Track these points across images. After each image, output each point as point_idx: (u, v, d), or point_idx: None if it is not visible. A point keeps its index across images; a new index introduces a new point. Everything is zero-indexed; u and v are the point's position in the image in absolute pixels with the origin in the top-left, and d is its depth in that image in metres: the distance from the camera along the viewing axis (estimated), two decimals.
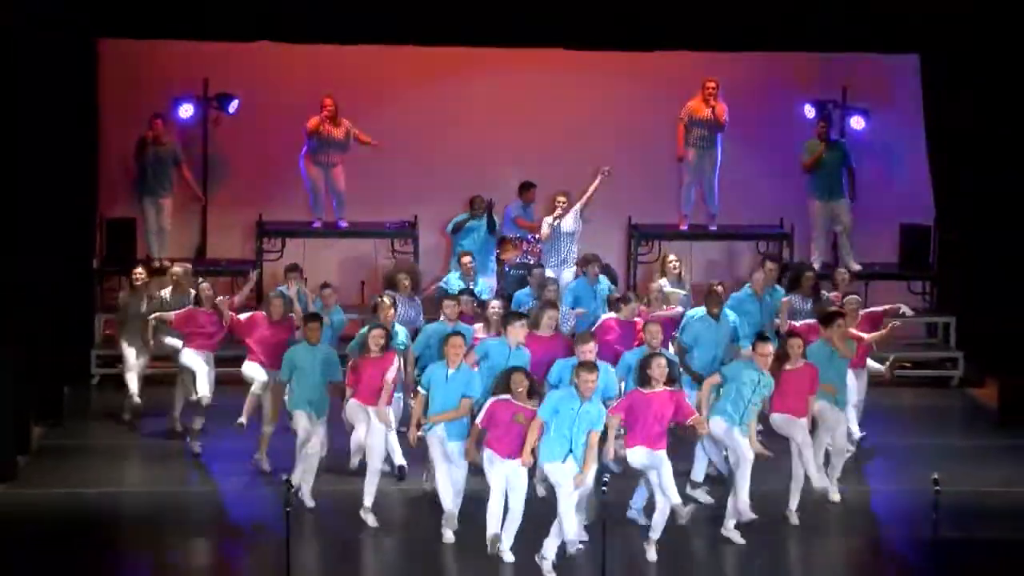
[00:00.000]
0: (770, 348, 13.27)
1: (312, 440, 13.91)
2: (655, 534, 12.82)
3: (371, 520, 13.57)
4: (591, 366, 12.62)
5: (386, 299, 14.91)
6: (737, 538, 13.23)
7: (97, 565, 12.92)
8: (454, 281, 16.60)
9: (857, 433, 15.54)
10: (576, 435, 12.44)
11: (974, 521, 13.61)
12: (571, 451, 12.46)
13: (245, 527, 13.75)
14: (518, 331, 13.65)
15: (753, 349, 13.35)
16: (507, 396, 12.72)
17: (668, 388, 12.80)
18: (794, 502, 13.84)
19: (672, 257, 16.74)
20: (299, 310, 15.15)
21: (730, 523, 13.26)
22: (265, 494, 14.15)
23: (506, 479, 12.77)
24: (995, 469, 15.41)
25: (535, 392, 12.84)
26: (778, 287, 15.98)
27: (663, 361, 12.81)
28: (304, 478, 13.87)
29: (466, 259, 16.93)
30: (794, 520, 13.77)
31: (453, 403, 13.14)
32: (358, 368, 13.84)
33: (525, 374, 12.82)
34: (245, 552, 13.29)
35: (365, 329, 14.07)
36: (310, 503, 13.96)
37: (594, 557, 12.24)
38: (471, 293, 15.43)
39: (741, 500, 13.17)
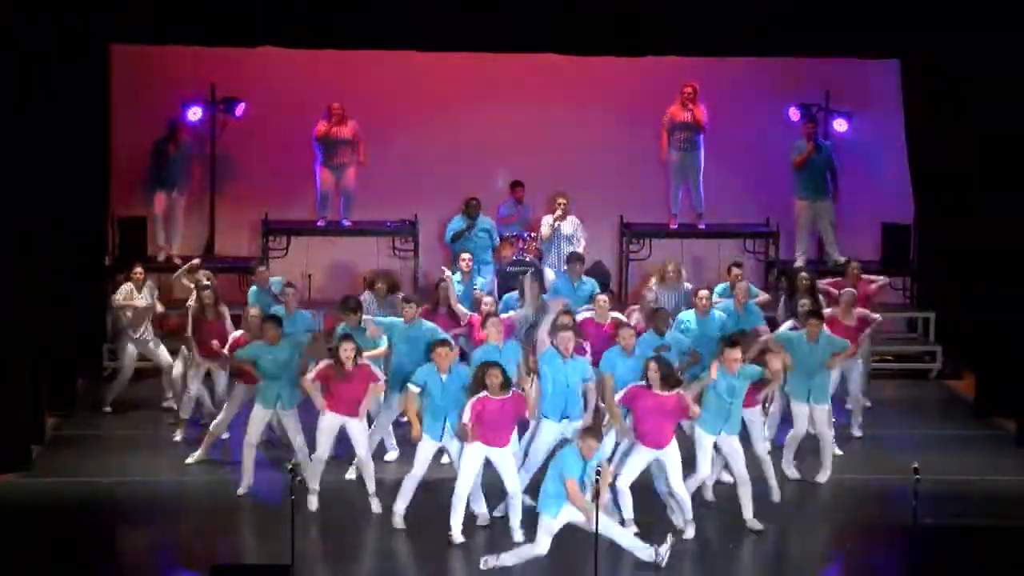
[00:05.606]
0: (737, 353, 13.29)
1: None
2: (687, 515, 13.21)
3: (376, 505, 13.81)
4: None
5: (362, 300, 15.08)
6: (757, 525, 13.46)
7: (109, 554, 13.11)
8: (455, 285, 16.14)
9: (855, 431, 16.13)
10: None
11: (952, 507, 13.83)
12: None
13: (253, 513, 13.89)
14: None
15: (721, 355, 13.36)
16: (485, 392, 12.90)
17: (669, 391, 12.94)
18: (771, 477, 14.05)
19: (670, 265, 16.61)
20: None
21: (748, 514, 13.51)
22: (271, 482, 14.21)
23: (494, 463, 13.05)
24: (972, 457, 15.70)
25: (509, 384, 13.02)
26: (752, 287, 16.21)
27: (653, 365, 13.01)
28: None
29: (465, 256, 16.90)
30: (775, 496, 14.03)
31: (455, 403, 13.19)
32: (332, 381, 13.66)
33: (500, 368, 12.96)
34: (252, 538, 13.52)
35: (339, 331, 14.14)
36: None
37: (586, 541, 12.27)
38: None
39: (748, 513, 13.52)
